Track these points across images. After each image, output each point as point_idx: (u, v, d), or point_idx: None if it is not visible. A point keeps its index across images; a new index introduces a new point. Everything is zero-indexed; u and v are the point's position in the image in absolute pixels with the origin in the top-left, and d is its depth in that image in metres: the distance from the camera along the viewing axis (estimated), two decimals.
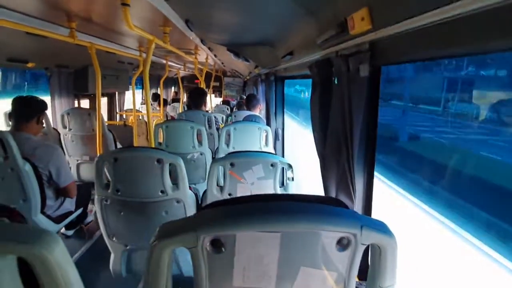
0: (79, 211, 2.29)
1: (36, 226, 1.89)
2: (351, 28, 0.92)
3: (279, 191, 1.60)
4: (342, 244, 0.58)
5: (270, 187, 1.56)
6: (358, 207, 1.21)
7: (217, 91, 9.10)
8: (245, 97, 4.78)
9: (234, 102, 6.96)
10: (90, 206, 2.48)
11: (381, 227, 0.59)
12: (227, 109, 5.96)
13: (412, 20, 0.75)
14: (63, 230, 2.49)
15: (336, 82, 1.09)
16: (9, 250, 0.52)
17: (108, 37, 2.76)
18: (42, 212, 1.93)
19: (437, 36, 0.76)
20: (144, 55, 3.46)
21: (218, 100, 8.68)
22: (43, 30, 1.96)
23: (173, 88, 8.90)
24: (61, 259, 0.55)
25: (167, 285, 0.58)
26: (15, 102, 1.95)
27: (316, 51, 1.42)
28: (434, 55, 0.88)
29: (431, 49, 0.82)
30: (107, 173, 1.56)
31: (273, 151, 2.62)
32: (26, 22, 1.82)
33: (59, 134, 2.87)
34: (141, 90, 6.24)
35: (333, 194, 1.20)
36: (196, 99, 3.16)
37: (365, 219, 0.59)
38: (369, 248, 0.61)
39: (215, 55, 4.14)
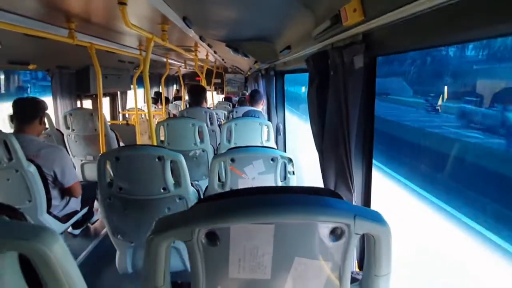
0: (85, 210, 2.33)
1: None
2: (344, 19, 0.91)
3: (280, 185, 1.62)
4: (336, 234, 0.59)
5: (271, 182, 1.57)
6: (357, 199, 1.21)
7: (219, 88, 9.09)
8: (246, 93, 4.77)
9: (236, 99, 6.95)
10: (95, 205, 2.52)
11: (374, 217, 0.59)
12: (229, 105, 5.97)
13: (404, 9, 0.74)
14: (70, 229, 2.54)
15: (332, 74, 1.09)
16: (9, 246, 0.53)
17: (107, 37, 2.77)
18: (48, 212, 1.97)
19: (432, 23, 0.75)
20: (144, 53, 3.47)
21: (220, 97, 8.67)
22: (43, 32, 1.97)
23: (175, 86, 8.92)
24: (61, 255, 0.56)
25: (165, 279, 0.60)
26: (15, 105, 1.98)
27: (313, 44, 1.41)
28: (430, 43, 0.87)
29: (427, 37, 0.81)
30: (110, 172, 1.58)
31: (274, 146, 2.62)
32: (25, 24, 1.84)
33: (62, 134, 2.90)
34: (143, 89, 6.27)
35: (332, 188, 1.20)
36: (196, 97, 3.17)
37: (358, 209, 0.59)
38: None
39: (215, 52, 4.13)
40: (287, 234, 0.58)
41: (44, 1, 1.66)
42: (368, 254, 0.63)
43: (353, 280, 0.71)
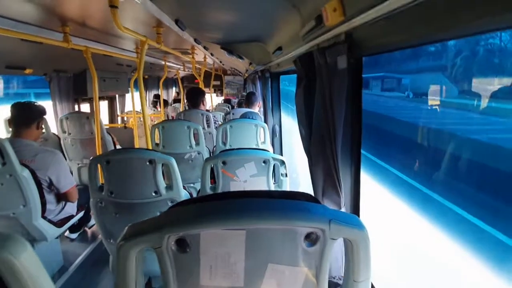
0: (80, 214, 2.33)
1: (37, 230, 1.93)
2: (326, 20, 0.90)
3: (273, 187, 1.60)
4: (311, 240, 0.57)
5: (263, 184, 1.56)
6: (346, 202, 1.19)
7: (218, 90, 9.12)
8: (245, 94, 4.77)
9: (235, 100, 6.95)
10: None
11: (351, 221, 0.58)
12: (228, 107, 5.97)
13: (383, 6, 0.72)
14: (67, 233, 2.54)
15: (318, 75, 1.07)
16: None
17: (103, 40, 2.78)
18: (43, 217, 1.97)
19: (415, 21, 0.73)
20: None
21: (220, 99, 8.69)
22: (37, 36, 1.98)
23: (174, 88, 8.95)
24: (30, 265, 0.54)
25: (137, 286, 0.59)
26: (14, 109, 1.99)
27: (301, 45, 1.40)
28: (415, 41, 0.84)
29: (412, 36, 0.79)
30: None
31: (270, 148, 2.61)
32: (20, 28, 1.85)
33: (59, 138, 2.91)
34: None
35: (320, 190, 1.18)
36: (193, 99, 3.16)
37: (334, 213, 0.58)
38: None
39: (211, 54, 4.13)
40: (260, 240, 0.57)
41: (38, 6, 1.67)
42: (347, 259, 0.62)
43: (336, 285, 0.69)
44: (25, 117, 1.98)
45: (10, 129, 2.02)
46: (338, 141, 1.03)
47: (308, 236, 0.57)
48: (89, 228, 2.76)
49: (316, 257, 0.59)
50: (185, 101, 6.54)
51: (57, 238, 2.14)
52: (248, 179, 1.56)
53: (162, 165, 1.53)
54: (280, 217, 0.55)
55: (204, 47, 3.34)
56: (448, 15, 0.66)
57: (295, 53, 1.65)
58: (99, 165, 1.55)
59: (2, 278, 0.54)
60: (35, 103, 2.07)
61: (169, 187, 1.58)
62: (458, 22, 0.65)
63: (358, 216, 1.15)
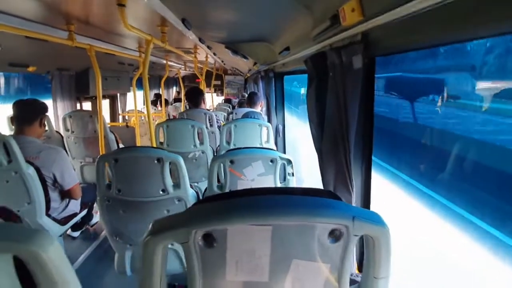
0: (84, 212, 2.33)
1: (42, 228, 1.92)
2: (343, 19, 0.91)
3: (280, 186, 1.61)
4: (334, 236, 0.58)
5: (270, 183, 1.57)
6: (356, 200, 1.20)
7: (219, 89, 9.13)
8: (246, 94, 4.79)
9: (236, 100, 6.96)
10: (95, 207, 2.52)
11: (373, 218, 0.58)
12: (229, 107, 5.98)
13: (403, 8, 0.73)
14: (69, 231, 2.53)
15: (331, 75, 1.08)
16: (3, 248, 0.53)
17: (107, 39, 2.78)
18: (47, 215, 1.96)
19: (431, 23, 0.75)
20: (143, 55, 3.48)
21: (220, 99, 8.70)
22: (42, 34, 1.98)
23: (175, 88, 8.94)
24: (56, 258, 0.55)
25: (161, 281, 0.59)
26: (16, 106, 1.97)
27: (311, 45, 1.41)
28: (431, 42, 0.86)
29: (428, 37, 0.80)
30: (109, 173, 1.58)
31: (274, 148, 2.62)
32: (25, 26, 1.84)
33: (62, 136, 2.90)
34: (142, 90, 6.28)
35: (331, 188, 1.19)
36: (194, 98, 3.18)
37: (357, 210, 0.59)
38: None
39: (214, 54, 4.14)
40: (285, 236, 0.57)
41: (44, 3, 1.67)
42: (367, 256, 0.62)
43: (353, 282, 0.70)
44: (28, 114, 1.96)
45: (13, 127, 2.01)
46: (351, 139, 1.04)
47: (331, 233, 0.58)
48: (91, 226, 2.76)
49: (339, 253, 0.59)
50: (186, 100, 6.53)
51: (60, 236, 2.13)
52: (256, 178, 1.56)
53: (169, 163, 1.53)
54: (307, 213, 0.55)
55: (208, 47, 3.34)
56: (464, 17, 0.67)
57: (304, 53, 1.66)
58: (106, 163, 1.55)
59: (29, 270, 0.54)
60: (38, 101, 2.06)
61: (176, 185, 1.59)
62: (474, 24, 0.66)
63: None
